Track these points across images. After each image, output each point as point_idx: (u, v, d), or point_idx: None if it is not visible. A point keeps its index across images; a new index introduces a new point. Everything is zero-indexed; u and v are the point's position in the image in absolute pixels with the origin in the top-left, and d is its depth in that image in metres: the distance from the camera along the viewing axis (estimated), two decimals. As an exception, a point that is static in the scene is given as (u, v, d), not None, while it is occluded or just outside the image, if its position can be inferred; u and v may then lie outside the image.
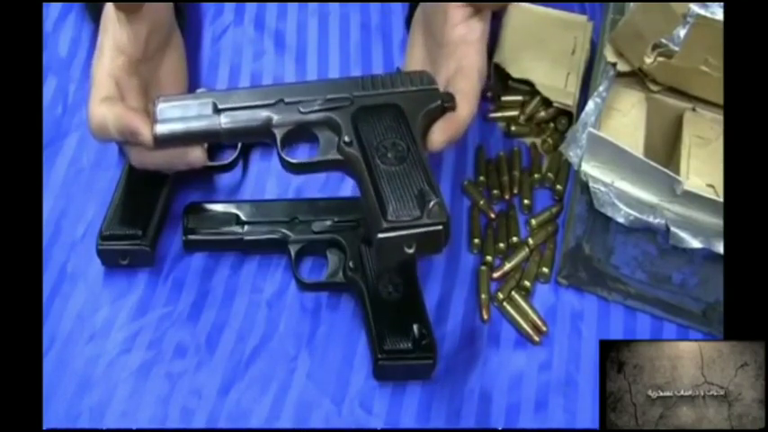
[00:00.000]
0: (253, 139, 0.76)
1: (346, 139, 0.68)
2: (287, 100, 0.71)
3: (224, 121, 0.70)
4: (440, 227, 0.63)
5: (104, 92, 0.70)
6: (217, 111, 0.70)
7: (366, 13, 0.93)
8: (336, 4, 0.93)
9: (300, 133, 0.71)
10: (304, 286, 0.77)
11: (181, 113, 0.70)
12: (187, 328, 0.76)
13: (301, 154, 0.80)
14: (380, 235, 0.63)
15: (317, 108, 0.70)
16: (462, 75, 0.72)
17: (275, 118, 0.70)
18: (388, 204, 0.64)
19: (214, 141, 0.74)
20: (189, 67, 0.84)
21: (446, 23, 0.74)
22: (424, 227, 0.63)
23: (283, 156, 0.70)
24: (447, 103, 0.71)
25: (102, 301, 0.77)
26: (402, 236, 0.62)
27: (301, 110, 0.70)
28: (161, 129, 0.69)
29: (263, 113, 0.70)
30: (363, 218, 0.78)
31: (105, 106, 0.69)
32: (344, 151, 0.68)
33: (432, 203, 0.63)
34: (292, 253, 0.77)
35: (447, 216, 0.64)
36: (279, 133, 0.70)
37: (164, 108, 0.70)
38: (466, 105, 0.72)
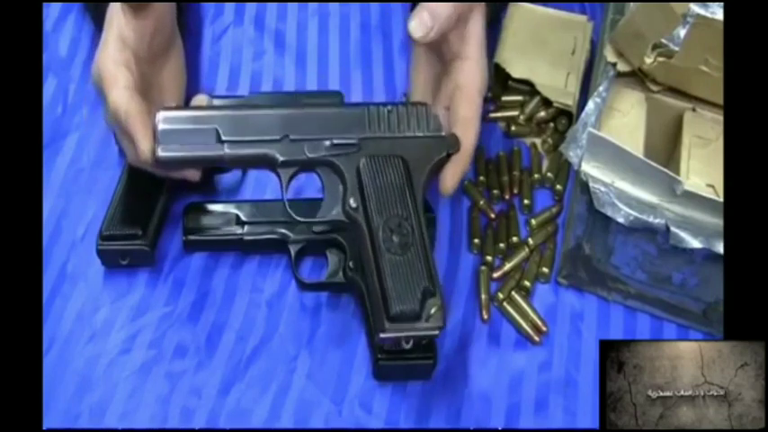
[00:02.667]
0: (257, 167, 0.77)
1: (352, 203, 0.70)
2: (292, 137, 0.70)
3: (227, 152, 0.70)
4: (437, 332, 0.68)
5: (123, 81, 0.70)
6: (220, 140, 0.70)
7: (366, 13, 0.93)
8: (336, 4, 0.93)
9: (305, 170, 0.72)
10: (304, 286, 0.77)
11: (183, 140, 0.69)
12: (187, 328, 0.76)
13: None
14: (383, 335, 0.68)
15: (323, 154, 0.70)
16: (461, 97, 0.73)
17: (280, 158, 0.70)
18: (390, 299, 0.67)
19: (217, 166, 0.76)
20: (189, 67, 0.84)
21: (441, 39, 0.74)
22: (422, 330, 0.67)
23: (292, 213, 0.71)
24: (452, 150, 0.72)
25: (102, 301, 0.77)
26: (401, 336, 0.68)
27: (307, 152, 0.70)
28: (163, 153, 0.69)
29: (268, 151, 0.70)
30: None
31: (127, 96, 0.69)
32: (350, 215, 0.70)
33: (433, 309, 0.67)
34: (292, 253, 0.77)
35: (444, 321, 0.68)
36: (284, 175, 0.71)
37: (165, 130, 0.69)
38: (469, 134, 0.72)
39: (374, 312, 0.69)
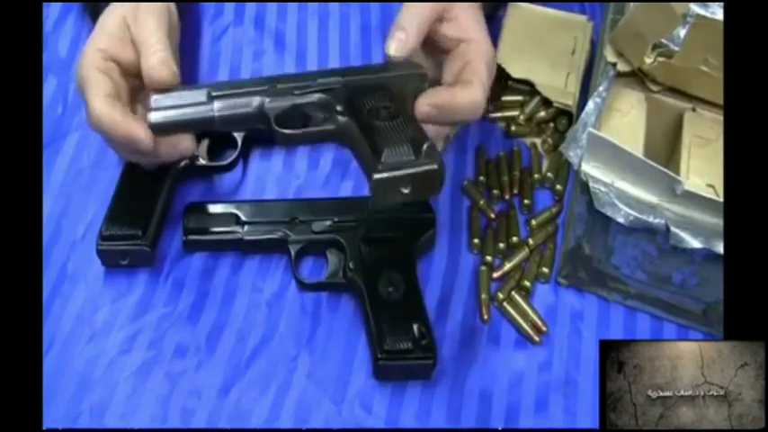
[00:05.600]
0: (247, 125, 0.75)
1: (339, 108, 0.69)
2: (280, 86, 0.71)
3: (217, 106, 0.70)
4: (435, 166, 0.64)
5: (103, 90, 0.70)
6: (210, 98, 0.71)
7: (366, 13, 0.93)
8: (336, 4, 0.93)
9: (293, 114, 0.71)
10: (304, 286, 0.77)
11: (174, 102, 0.70)
12: (187, 328, 0.76)
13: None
14: (376, 176, 0.64)
15: (310, 91, 0.71)
16: (469, 67, 0.72)
17: (268, 101, 0.71)
18: (382, 151, 0.65)
19: (209, 129, 0.74)
20: (189, 67, 0.84)
21: (438, 28, 0.74)
22: (419, 166, 0.64)
23: (277, 128, 0.70)
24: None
25: (102, 301, 0.77)
26: (397, 176, 0.64)
27: (295, 92, 0.71)
28: (155, 116, 0.70)
29: (257, 98, 0.71)
30: (363, 218, 0.78)
31: (106, 106, 0.69)
32: (338, 121, 0.69)
33: (425, 146, 0.65)
34: (292, 253, 0.77)
35: (441, 159, 0.65)
36: (272, 113, 0.70)
37: (158, 98, 0.70)
38: (468, 92, 0.71)
39: (366, 164, 0.67)
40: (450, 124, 0.74)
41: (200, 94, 0.71)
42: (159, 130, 0.70)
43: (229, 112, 0.71)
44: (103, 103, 0.69)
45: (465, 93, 0.71)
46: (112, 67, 0.72)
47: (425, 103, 0.70)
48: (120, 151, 0.75)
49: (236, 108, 0.71)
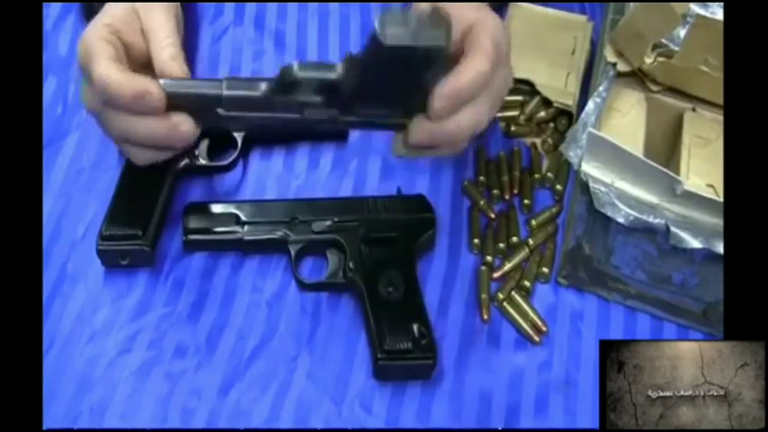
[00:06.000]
0: (253, 111, 0.72)
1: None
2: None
3: (226, 85, 0.70)
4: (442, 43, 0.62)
5: (107, 53, 0.68)
6: (222, 81, 0.70)
7: (366, 13, 0.93)
8: (336, 4, 0.93)
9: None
10: (304, 286, 0.77)
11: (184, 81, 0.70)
12: (187, 328, 0.76)
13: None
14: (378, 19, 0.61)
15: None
16: (471, 43, 0.67)
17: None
18: None
19: (215, 107, 0.71)
20: (188, 67, 0.83)
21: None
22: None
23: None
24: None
25: (102, 301, 0.77)
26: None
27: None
28: (164, 82, 0.68)
29: (267, 92, 0.69)
30: (363, 218, 0.78)
31: (113, 69, 0.67)
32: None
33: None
34: (292, 253, 0.77)
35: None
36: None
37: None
38: (469, 64, 0.65)
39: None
40: (465, 107, 0.67)
41: (211, 80, 0.70)
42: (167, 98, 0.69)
43: (238, 93, 0.69)
44: (109, 65, 0.67)
45: (468, 66, 0.65)
46: (117, 41, 0.71)
47: (437, 98, 0.65)
48: (123, 125, 0.70)
49: (246, 90, 0.70)
